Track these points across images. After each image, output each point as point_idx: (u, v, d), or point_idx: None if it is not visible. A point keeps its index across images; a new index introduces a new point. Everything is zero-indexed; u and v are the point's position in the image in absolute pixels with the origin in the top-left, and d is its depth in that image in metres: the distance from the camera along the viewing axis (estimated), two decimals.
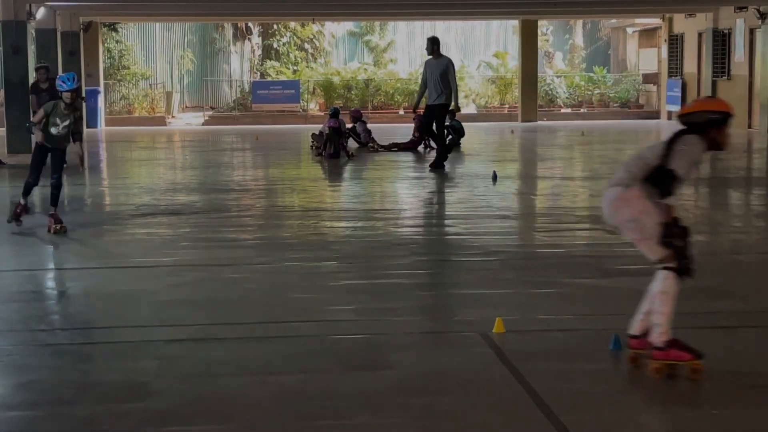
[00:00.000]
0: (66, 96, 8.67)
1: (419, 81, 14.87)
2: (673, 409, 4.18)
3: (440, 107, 13.89)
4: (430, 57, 14.05)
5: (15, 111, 17.49)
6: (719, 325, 5.56)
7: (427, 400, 4.29)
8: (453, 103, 13.92)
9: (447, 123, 19.36)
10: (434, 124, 14.06)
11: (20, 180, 13.31)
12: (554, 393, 4.32)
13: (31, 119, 10.33)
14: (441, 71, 13.73)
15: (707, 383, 4.50)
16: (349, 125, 17.82)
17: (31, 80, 18.24)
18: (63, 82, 8.73)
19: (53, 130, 8.70)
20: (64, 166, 9.42)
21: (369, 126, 18.72)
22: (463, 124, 20.50)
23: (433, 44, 14.02)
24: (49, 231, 8.66)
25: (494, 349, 5.01)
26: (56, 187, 8.95)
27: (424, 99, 14.19)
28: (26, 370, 4.75)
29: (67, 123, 8.71)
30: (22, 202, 9.16)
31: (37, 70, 14.44)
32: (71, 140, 8.84)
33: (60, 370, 4.78)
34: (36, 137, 8.90)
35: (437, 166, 13.83)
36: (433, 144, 17.85)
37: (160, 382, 4.56)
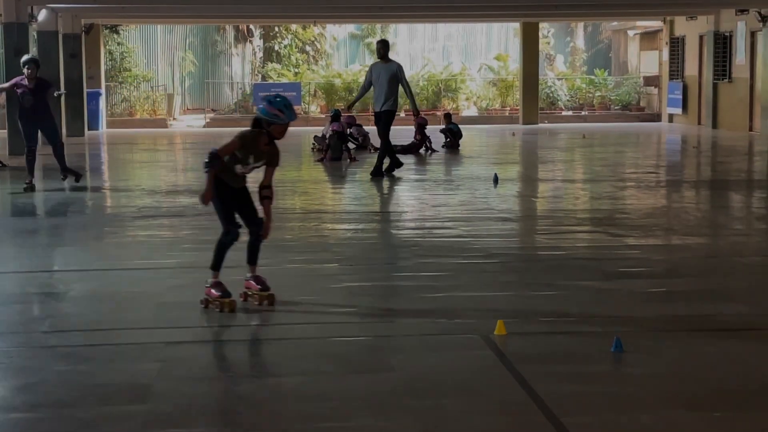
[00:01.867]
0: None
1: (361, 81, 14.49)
2: (676, 412, 4.18)
3: (387, 114, 13.22)
4: (378, 60, 13.52)
5: (16, 113, 17.47)
6: (721, 328, 5.56)
7: (429, 402, 4.29)
8: (410, 108, 13.30)
9: (443, 126, 19.48)
10: (379, 129, 13.35)
11: (22, 182, 13.34)
12: (556, 395, 4.32)
13: None
14: (390, 76, 13.14)
15: (710, 386, 4.50)
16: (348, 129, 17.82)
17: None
18: (278, 110, 5.97)
19: (238, 168, 6.15)
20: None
21: (367, 128, 18.74)
22: (465, 126, 20.52)
23: (384, 48, 13.57)
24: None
25: (495, 352, 5.02)
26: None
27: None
28: (28, 372, 4.75)
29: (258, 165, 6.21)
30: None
31: (24, 64, 12.12)
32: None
33: (62, 372, 4.78)
34: None
35: (376, 174, 13.31)
36: (434, 147, 17.92)
37: (163, 384, 4.56)
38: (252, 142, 5.95)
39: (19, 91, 12.08)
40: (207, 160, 5.81)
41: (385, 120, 13.25)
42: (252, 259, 6.13)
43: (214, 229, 9.29)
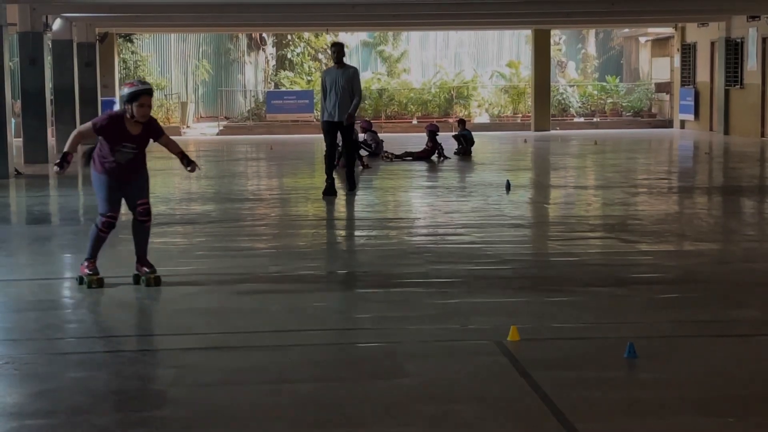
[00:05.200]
0: None
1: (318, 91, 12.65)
2: (689, 417, 4.18)
3: (346, 125, 12.00)
4: (333, 66, 12.24)
5: (32, 121, 17.60)
6: (734, 334, 5.55)
7: (442, 408, 4.31)
8: (350, 112, 11.87)
9: (457, 132, 19.50)
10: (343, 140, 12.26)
11: (38, 190, 13.42)
12: (569, 401, 4.33)
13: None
14: (346, 83, 11.85)
15: (723, 392, 4.50)
16: (361, 135, 17.86)
17: (49, 92, 18.39)
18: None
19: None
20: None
21: (381, 136, 18.78)
22: (476, 133, 20.54)
23: (339, 52, 12.08)
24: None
25: (509, 358, 5.02)
26: None
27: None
28: (43, 379, 4.78)
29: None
30: None
31: (136, 96, 6.54)
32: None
33: (77, 378, 4.81)
34: None
35: (351, 188, 12.30)
36: (446, 153, 17.92)
37: (178, 390, 4.59)
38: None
39: (108, 142, 6.62)
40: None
41: (348, 130, 12.10)
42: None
43: (227, 236, 9.38)
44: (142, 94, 6.53)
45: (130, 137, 6.66)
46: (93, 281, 6.68)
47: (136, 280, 6.81)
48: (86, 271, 6.74)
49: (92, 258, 6.77)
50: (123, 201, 6.83)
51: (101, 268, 6.83)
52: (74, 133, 6.72)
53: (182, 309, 6.19)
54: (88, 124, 6.72)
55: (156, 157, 20.39)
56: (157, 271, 6.83)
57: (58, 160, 6.66)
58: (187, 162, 6.91)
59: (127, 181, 6.76)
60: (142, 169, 6.84)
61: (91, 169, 6.75)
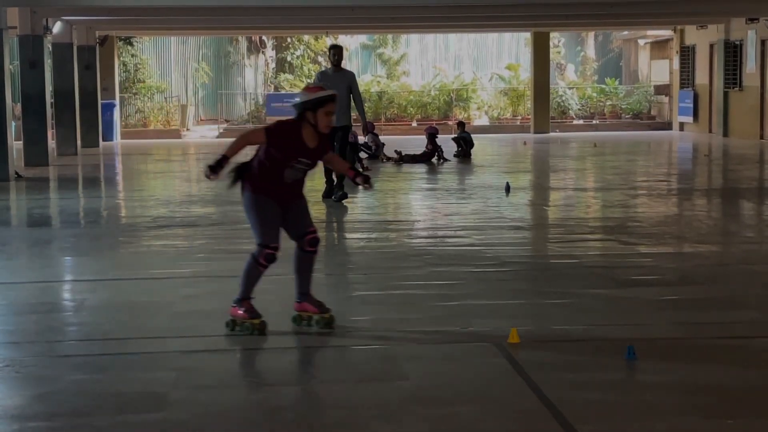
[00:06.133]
0: None
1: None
2: (689, 419, 4.19)
3: (343, 129, 11.72)
4: (330, 69, 11.94)
5: (32, 124, 17.62)
6: (734, 335, 5.56)
7: (443, 410, 4.31)
8: (365, 122, 11.86)
9: (456, 134, 19.50)
10: (338, 147, 11.73)
11: (38, 193, 13.42)
12: (570, 403, 4.34)
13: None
14: (345, 87, 11.51)
15: (723, 394, 4.51)
16: (361, 137, 17.87)
17: (49, 95, 18.41)
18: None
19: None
20: None
21: (382, 138, 18.78)
22: (476, 135, 20.55)
23: (339, 55, 11.87)
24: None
25: (509, 360, 5.03)
26: None
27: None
28: (44, 382, 4.79)
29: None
30: None
31: (323, 102, 5.54)
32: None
33: (78, 381, 4.82)
34: None
35: (340, 198, 11.72)
36: (446, 156, 17.94)
37: (178, 392, 4.60)
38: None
39: (280, 154, 5.53)
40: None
41: (342, 136, 11.81)
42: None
43: (228, 238, 9.39)
44: (329, 101, 5.49)
45: (306, 151, 5.51)
46: (256, 327, 5.50)
47: (298, 321, 5.72)
48: (243, 314, 5.53)
49: (248, 297, 5.58)
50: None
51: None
52: (239, 136, 5.53)
53: (182, 311, 6.20)
54: (259, 129, 5.57)
55: (156, 160, 20.44)
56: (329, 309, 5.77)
57: (212, 163, 5.42)
58: (364, 179, 5.75)
59: (288, 206, 5.58)
60: (302, 190, 5.70)
61: (244, 190, 5.58)
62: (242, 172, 5.55)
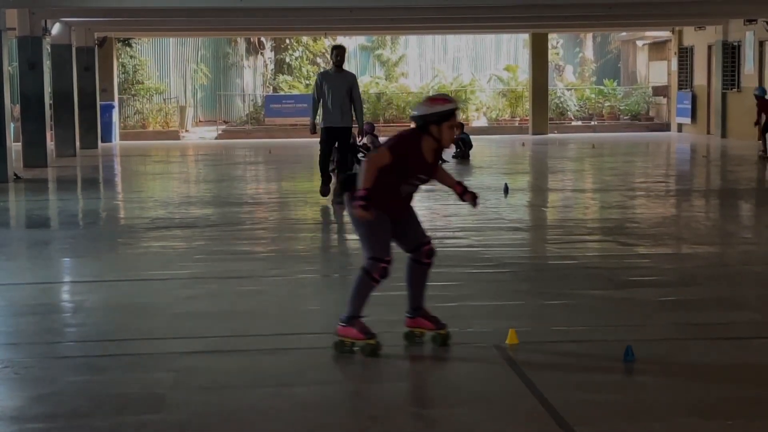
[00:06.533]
0: None
1: (313, 95, 11.83)
2: (688, 420, 4.19)
3: (345, 130, 11.67)
4: (330, 69, 11.85)
5: (31, 125, 17.62)
6: (732, 336, 5.57)
7: (441, 411, 4.32)
8: (362, 125, 11.92)
9: (455, 136, 19.44)
10: (339, 148, 11.79)
11: (37, 194, 13.43)
12: (568, 404, 4.34)
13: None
14: (347, 89, 11.51)
15: (722, 394, 4.51)
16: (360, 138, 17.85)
17: (48, 96, 18.42)
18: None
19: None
20: None
21: (381, 139, 18.77)
22: (475, 137, 20.56)
23: (341, 55, 11.66)
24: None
25: (508, 361, 5.04)
26: None
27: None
28: (43, 383, 4.79)
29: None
30: None
31: (446, 116, 5.24)
32: None
33: (77, 382, 4.82)
34: None
35: (339, 202, 11.08)
36: (445, 157, 17.93)
37: (177, 393, 4.60)
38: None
39: (402, 171, 5.35)
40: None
41: (345, 137, 11.80)
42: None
43: (226, 240, 9.39)
44: (454, 114, 5.21)
45: (426, 167, 5.31)
46: (373, 348, 5.12)
47: (411, 338, 5.40)
48: (358, 333, 5.17)
49: (359, 316, 5.22)
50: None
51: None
52: (366, 166, 5.08)
53: (181, 312, 6.20)
54: (382, 150, 5.19)
55: (155, 161, 20.45)
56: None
57: (362, 203, 4.98)
58: (472, 197, 5.51)
59: (399, 219, 5.30)
60: (412, 202, 5.44)
61: (353, 203, 5.12)
62: (350, 185, 5.21)
